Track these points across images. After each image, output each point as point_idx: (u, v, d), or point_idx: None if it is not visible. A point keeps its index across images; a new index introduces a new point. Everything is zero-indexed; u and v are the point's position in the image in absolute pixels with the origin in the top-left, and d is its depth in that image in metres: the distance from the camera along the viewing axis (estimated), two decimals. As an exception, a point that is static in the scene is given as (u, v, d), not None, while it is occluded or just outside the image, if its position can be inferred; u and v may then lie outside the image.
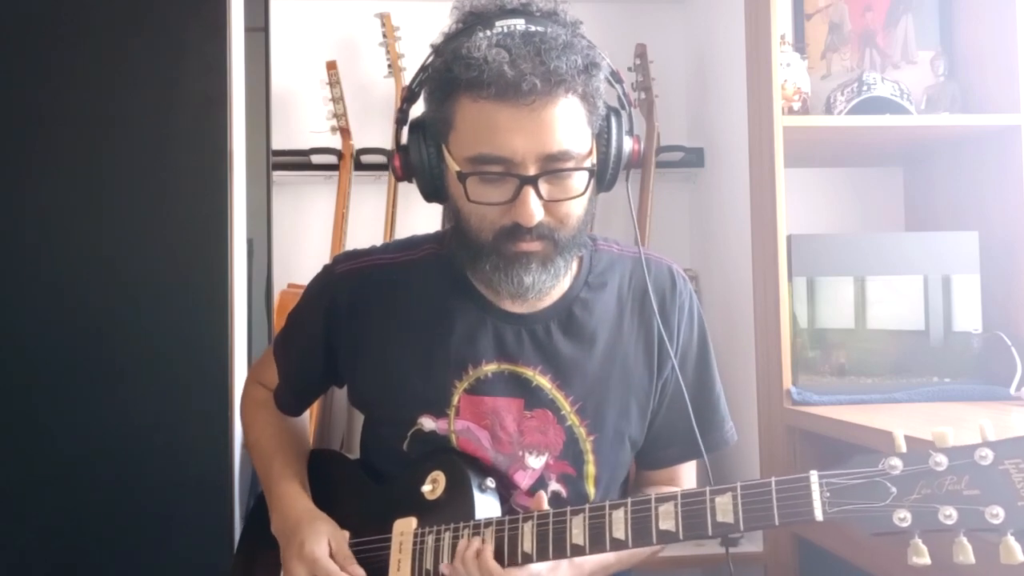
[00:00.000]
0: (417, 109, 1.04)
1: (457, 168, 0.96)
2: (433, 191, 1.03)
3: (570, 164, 0.94)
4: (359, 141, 2.12)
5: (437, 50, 0.99)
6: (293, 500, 1.10)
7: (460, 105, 0.94)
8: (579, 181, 0.97)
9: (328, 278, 1.16)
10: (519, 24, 0.93)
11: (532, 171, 0.93)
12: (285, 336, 1.23)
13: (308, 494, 1.13)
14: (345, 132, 2.10)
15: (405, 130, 1.04)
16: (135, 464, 1.34)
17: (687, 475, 1.18)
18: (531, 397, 1.06)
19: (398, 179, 1.06)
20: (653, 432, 1.13)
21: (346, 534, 1.07)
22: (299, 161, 2.12)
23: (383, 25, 2.12)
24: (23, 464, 1.33)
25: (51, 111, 1.36)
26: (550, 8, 0.97)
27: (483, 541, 0.95)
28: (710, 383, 1.15)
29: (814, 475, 0.80)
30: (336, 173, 2.10)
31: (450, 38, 0.97)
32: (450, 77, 0.93)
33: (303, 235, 2.19)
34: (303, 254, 2.16)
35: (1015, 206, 1.74)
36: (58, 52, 1.36)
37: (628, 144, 1.02)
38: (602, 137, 1.00)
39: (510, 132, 0.91)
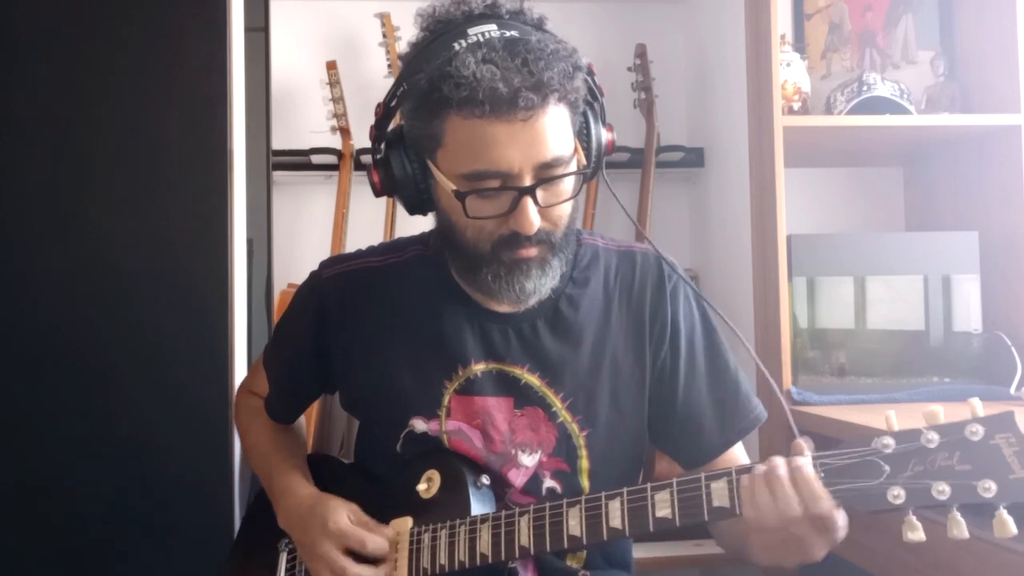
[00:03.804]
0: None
1: (453, 187, 0.94)
2: (418, 205, 1.03)
3: (561, 169, 0.95)
4: (359, 141, 2.12)
5: (411, 64, 0.96)
6: (298, 489, 1.10)
7: (450, 123, 0.92)
8: (570, 183, 0.97)
9: (316, 283, 1.15)
10: (492, 30, 0.92)
11: (528, 181, 0.93)
12: (275, 344, 1.23)
13: (311, 482, 1.12)
14: (345, 132, 2.11)
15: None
16: (135, 464, 1.34)
17: (736, 461, 1.11)
18: (520, 395, 1.06)
19: (377, 195, 1.04)
20: (679, 428, 1.09)
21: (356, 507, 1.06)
22: (299, 161, 2.13)
23: (383, 25, 2.12)
24: (22, 464, 1.33)
25: (51, 111, 1.35)
26: (515, 7, 0.96)
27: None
28: (723, 365, 1.11)
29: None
30: (336, 173, 2.11)
31: (421, 48, 0.95)
32: (438, 97, 0.90)
33: (303, 235, 2.20)
34: (303, 254, 2.16)
35: (1015, 206, 1.74)
36: (58, 52, 1.36)
37: (605, 135, 1.03)
38: (582, 133, 1.01)
39: (506, 147, 0.91)
